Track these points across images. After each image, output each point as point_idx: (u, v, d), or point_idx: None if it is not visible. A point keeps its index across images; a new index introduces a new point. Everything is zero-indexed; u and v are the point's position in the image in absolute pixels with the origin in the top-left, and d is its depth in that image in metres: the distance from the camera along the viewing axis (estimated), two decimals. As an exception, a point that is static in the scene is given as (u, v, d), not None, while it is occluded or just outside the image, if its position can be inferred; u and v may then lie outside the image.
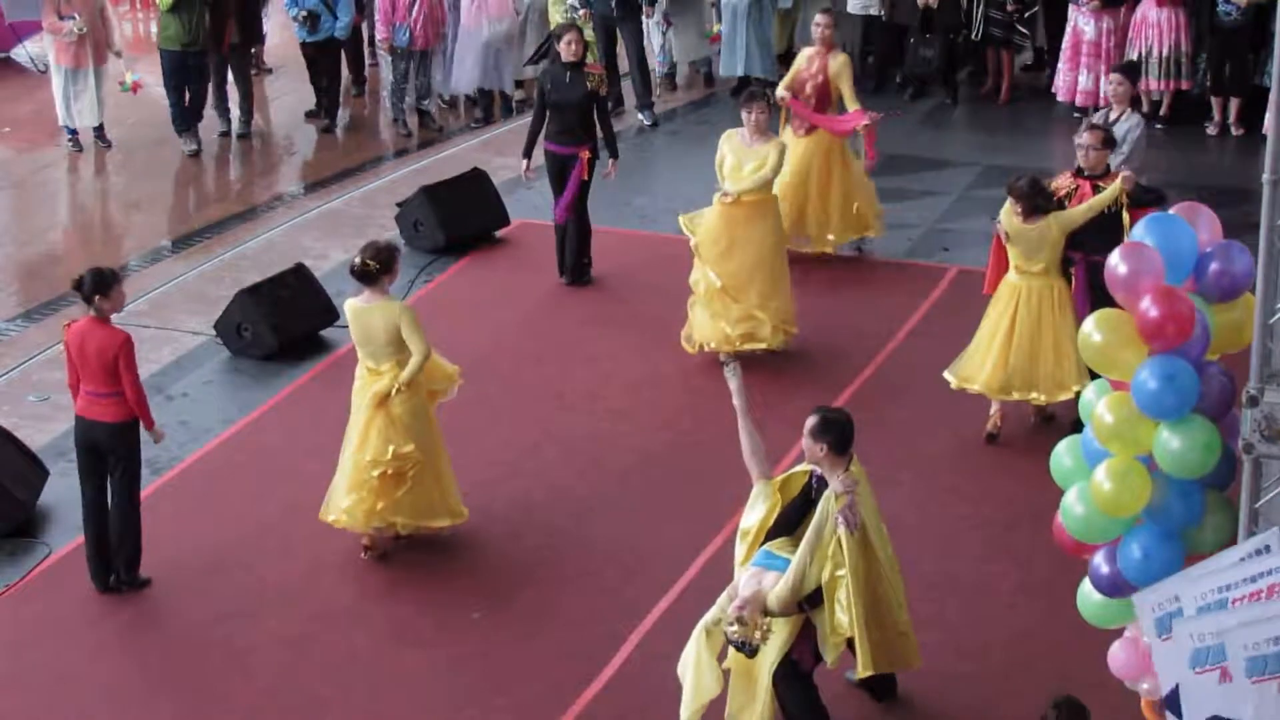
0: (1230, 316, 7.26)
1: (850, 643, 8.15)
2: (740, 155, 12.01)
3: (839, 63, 13.53)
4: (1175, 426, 6.89)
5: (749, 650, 8.03)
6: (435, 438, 10.07)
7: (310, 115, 17.80)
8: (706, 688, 8.15)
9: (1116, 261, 7.11)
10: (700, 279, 12.06)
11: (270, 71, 19.39)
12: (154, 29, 18.09)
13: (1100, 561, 7.27)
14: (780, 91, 13.55)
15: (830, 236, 13.65)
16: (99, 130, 16.94)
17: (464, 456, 10.22)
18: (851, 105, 13.44)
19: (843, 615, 8.02)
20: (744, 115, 12.02)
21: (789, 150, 12.73)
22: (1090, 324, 7.13)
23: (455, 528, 10.18)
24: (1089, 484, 7.10)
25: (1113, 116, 11.91)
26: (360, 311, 9.89)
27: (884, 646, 8.27)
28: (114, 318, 9.70)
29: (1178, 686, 6.70)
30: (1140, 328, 6.96)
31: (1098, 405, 7.09)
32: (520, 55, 17.96)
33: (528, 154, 13.36)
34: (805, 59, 13.67)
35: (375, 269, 9.80)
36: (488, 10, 17.25)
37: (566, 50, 13.15)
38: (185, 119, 16.97)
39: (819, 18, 13.71)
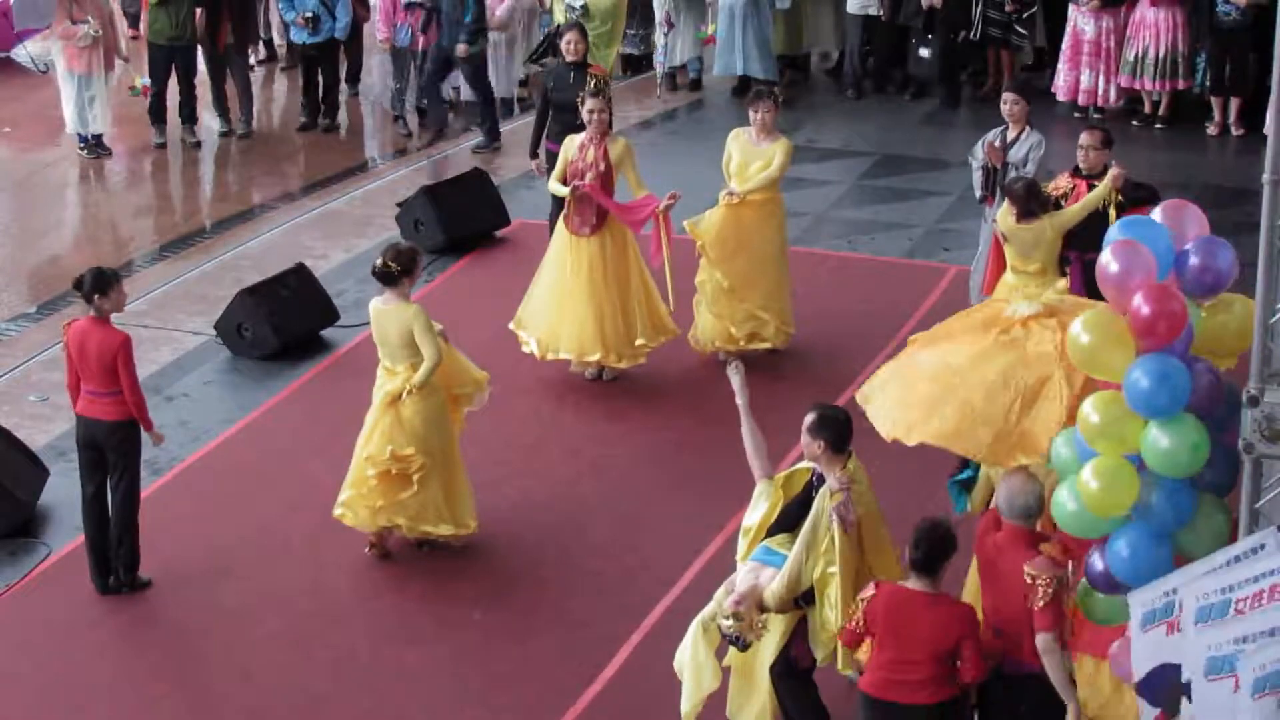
0: (1217, 320, 7.26)
1: None
2: (747, 154, 11.99)
3: (620, 148, 11.71)
4: (1165, 425, 6.87)
5: (742, 645, 8.06)
6: (449, 445, 10.06)
7: (303, 129, 17.73)
8: (706, 682, 8.17)
9: (1108, 259, 7.11)
10: (707, 280, 12.04)
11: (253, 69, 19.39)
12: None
13: (1095, 558, 7.27)
14: (556, 187, 11.93)
15: (640, 341, 11.93)
16: (98, 138, 16.93)
17: (465, 456, 10.22)
18: (639, 191, 11.73)
19: (830, 612, 8.02)
20: (750, 114, 11.99)
21: (573, 258, 11.79)
22: (1078, 325, 7.12)
23: (460, 538, 10.16)
24: (1077, 481, 7.10)
25: (1011, 136, 11.89)
26: (378, 313, 9.93)
27: None
28: (114, 318, 9.70)
29: (1152, 674, 6.74)
30: (1132, 324, 6.95)
31: (1084, 406, 7.08)
32: (518, 60, 17.97)
33: (534, 153, 13.35)
34: (576, 147, 11.74)
35: (396, 270, 9.82)
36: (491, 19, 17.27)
37: (567, 50, 13.17)
38: (159, 110, 17.07)
39: (592, 103, 11.62)
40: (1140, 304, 6.91)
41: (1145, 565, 6.96)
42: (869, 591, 7.60)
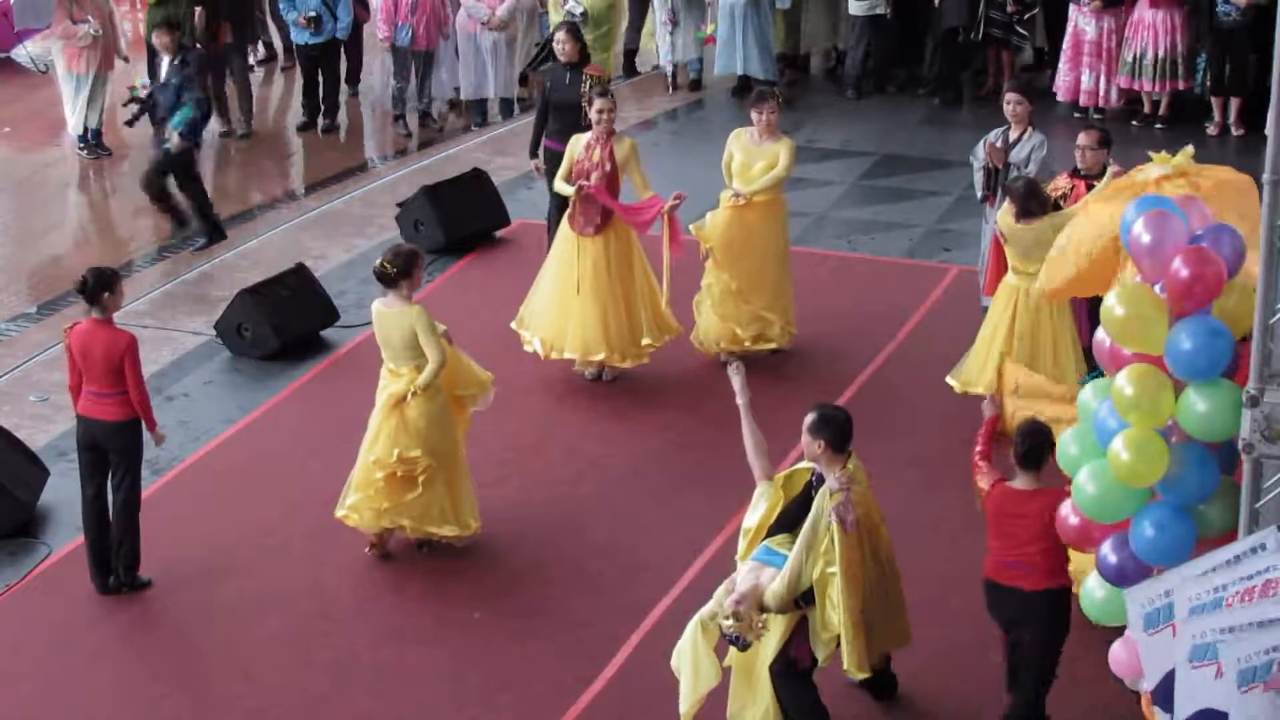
0: (1217, 304, 7.28)
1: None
2: (749, 155, 11.97)
3: (626, 148, 11.71)
4: (1202, 389, 6.90)
5: (742, 645, 8.06)
6: (453, 445, 10.06)
7: (303, 129, 17.73)
8: (705, 679, 8.18)
9: (1140, 230, 7.11)
10: (714, 282, 12.02)
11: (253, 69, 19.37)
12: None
13: (1107, 551, 7.28)
14: (562, 186, 11.90)
15: (646, 341, 11.93)
16: (98, 136, 16.92)
17: (466, 456, 10.22)
18: (644, 192, 11.71)
19: (833, 613, 8.02)
20: (754, 115, 11.97)
21: (577, 257, 11.78)
22: (1112, 298, 7.14)
23: (463, 539, 10.15)
24: (1105, 457, 7.11)
25: (1013, 136, 11.87)
26: (380, 315, 9.93)
27: (880, 629, 8.29)
28: (114, 318, 9.71)
29: (1167, 679, 6.73)
30: (1169, 287, 6.96)
31: (1117, 378, 7.09)
32: (517, 59, 17.97)
33: (535, 153, 13.35)
34: (582, 146, 11.76)
35: (393, 272, 9.82)
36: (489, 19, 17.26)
37: (559, 50, 13.16)
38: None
39: (600, 103, 11.67)
40: (1179, 267, 6.92)
41: (1169, 541, 6.99)
42: (985, 484, 8.25)
